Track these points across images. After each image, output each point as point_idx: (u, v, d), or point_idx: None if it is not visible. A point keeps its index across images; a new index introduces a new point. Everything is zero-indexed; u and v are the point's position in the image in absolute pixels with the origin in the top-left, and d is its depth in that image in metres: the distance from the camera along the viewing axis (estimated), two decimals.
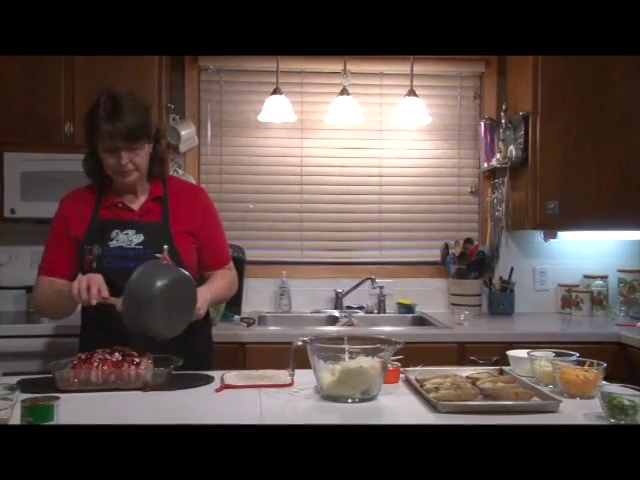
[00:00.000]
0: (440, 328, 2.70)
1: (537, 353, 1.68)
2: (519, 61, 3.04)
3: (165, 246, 1.76)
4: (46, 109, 2.68)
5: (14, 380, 1.49)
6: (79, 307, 1.81)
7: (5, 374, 1.53)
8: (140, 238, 1.79)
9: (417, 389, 1.53)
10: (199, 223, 1.87)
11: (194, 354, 1.78)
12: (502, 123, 3.06)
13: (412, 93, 2.98)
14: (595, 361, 1.54)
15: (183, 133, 2.93)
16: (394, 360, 1.62)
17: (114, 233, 1.78)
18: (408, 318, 3.02)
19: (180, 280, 1.64)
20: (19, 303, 2.86)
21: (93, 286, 1.60)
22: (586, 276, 3.16)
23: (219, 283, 1.87)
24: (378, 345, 1.51)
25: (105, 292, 1.61)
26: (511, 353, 1.78)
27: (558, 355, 1.65)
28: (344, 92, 2.98)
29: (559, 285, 3.19)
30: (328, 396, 1.48)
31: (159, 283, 1.58)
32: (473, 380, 1.58)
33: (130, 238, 1.78)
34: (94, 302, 1.60)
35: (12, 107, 2.67)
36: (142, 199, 1.85)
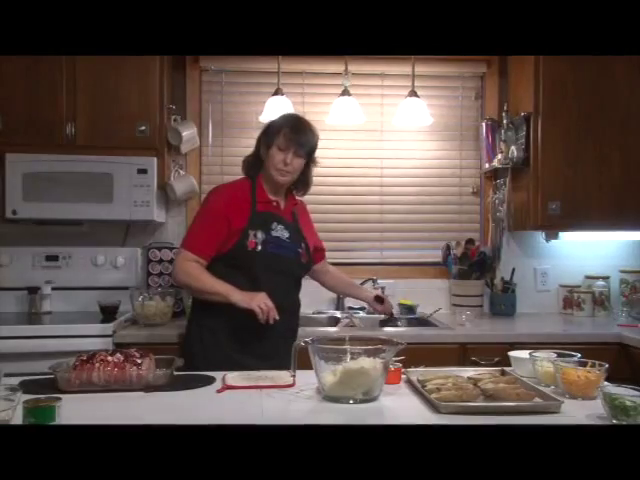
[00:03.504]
0: (442, 329, 2.69)
1: (539, 354, 1.67)
2: (520, 61, 3.04)
3: (303, 244, 2.19)
4: (48, 110, 2.68)
5: (16, 381, 1.49)
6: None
7: (7, 375, 1.53)
8: (287, 234, 2.14)
9: (418, 390, 1.53)
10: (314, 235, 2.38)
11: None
12: (503, 123, 3.05)
13: (413, 94, 2.98)
14: (597, 362, 1.54)
15: (184, 134, 2.93)
16: (396, 361, 1.62)
17: (274, 225, 2.11)
18: (409, 319, 3.01)
19: None
20: (21, 304, 2.86)
21: (272, 310, 1.96)
22: (588, 277, 3.16)
23: None
24: (379, 346, 1.51)
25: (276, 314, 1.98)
26: (513, 354, 1.78)
27: (560, 356, 1.64)
28: (345, 93, 2.98)
29: (561, 286, 3.18)
30: (329, 397, 1.48)
31: None
32: (475, 381, 1.58)
33: (282, 232, 2.12)
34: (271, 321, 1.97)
35: (14, 108, 2.67)
36: (283, 203, 2.20)
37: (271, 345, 2.04)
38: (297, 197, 2.32)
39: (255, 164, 2.19)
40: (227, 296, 1.98)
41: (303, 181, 2.26)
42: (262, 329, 1.98)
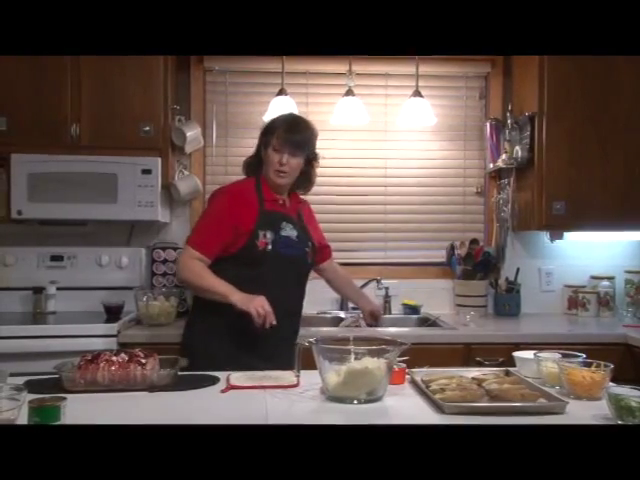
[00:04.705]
0: (446, 329, 2.69)
1: (543, 354, 1.67)
2: (525, 61, 3.03)
3: (309, 243, 2.18)
4: (52, 110, 2.69)
5: (21, 381, 1.49)
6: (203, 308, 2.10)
7: (12, 375, 1.53)
8: (295, 233, 2.12)
9: (423, 390, 1.53)
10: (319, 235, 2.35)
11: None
12: (508, 123, 3.04)
13: (417, 94, 2.98)
14: (602, 362, 1.54)
15: (188, 134, 2.94)
16: (400, 361, 1.62)
17: (283, 224, 2.10)
18: (413, 319, 3.01)
19: None
20: (26, 304, 2.87)
21: (269, 315, 1.92)
22: (592, 277, 3.15)
23: None
24: (383, 346, 1.51)
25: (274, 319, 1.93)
26: (517, 354, 1.78)
27: (564, 356, 1.64)
28: (349, 93, 2.98)
29: (565, 286, 3.17)
30: (333, 397, 1.48)
31: None
32: (479, 381, 1.58)
33: (291, 232, 2.11)
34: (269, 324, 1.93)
35: (19, 109, 2.68)
36: (288, 202, 2.20)
37: (273, 346, 2.02)
38: (300, 196, 2.30)
39: (256, 165, 2.19)
40: (227, 296, 1.96)
41: (305, 180, 2.25)
42: (265, 330, 1.97)
